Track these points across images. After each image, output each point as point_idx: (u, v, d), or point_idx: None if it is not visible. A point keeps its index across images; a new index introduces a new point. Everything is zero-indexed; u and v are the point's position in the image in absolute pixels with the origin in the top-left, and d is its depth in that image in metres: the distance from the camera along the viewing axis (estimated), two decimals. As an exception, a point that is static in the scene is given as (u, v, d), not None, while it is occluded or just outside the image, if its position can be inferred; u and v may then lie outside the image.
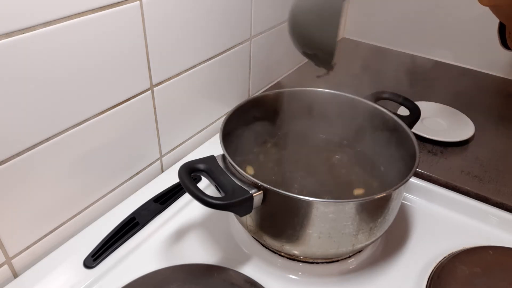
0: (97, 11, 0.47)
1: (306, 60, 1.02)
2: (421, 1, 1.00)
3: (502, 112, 0.83)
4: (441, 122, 0.77)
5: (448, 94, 0.87)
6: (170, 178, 0.64)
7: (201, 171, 0.48)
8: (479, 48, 0.97)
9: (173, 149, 0.68)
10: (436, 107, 0.81)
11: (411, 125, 0.58)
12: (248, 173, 0.46)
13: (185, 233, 0.56)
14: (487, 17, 0.91)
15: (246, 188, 0.45)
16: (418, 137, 0.72)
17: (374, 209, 0.46)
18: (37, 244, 0.52)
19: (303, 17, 0.43)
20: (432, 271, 0.52)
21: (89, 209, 0.57)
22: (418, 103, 0.62)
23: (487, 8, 0.91)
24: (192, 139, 0.72)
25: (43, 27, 0.43)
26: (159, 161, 0.66)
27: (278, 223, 0.48)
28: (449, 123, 0.76)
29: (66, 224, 0.54)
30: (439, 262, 0.53)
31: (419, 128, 0.73)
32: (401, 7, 1.04)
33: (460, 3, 0.95)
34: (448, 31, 0.99)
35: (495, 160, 0.68)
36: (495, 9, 0.51)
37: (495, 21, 0.91)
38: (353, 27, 1.14)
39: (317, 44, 0.44)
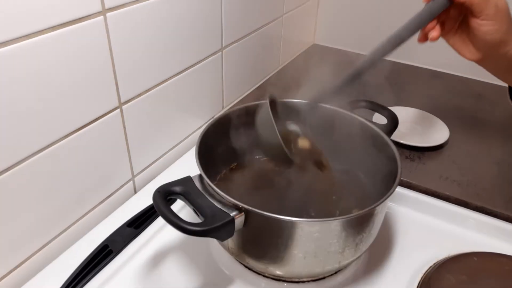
0: (57, 29, 0.44)
1: (281, 66, 1.01)
2: (391, 5, 1.01)
3: (473, 113, 0.84)
4: (416, 126, 0.77)
5: (420, 97, 0.88)
6: (144, 199, 0.61)
7: (178, 194, 0.45)
8: (447, 49, 0.98)
9: (145, 168, 0.65)
10: (409, 112, 0.81)
11: (389, 134, 0.57)
12: (302, 145, 0.47)
13: (163, 258, 0.53)
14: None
15: (226, 211, 0.43)
16: (395, 143, 0.71)
17: (359, 225, 0.45)
18: (1, 282, 0.47)
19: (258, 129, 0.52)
20: (419, 281, 0.51)
21: (57, 239, 0.53)
22: (392, 108, 0.62)
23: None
24: (166, 155, 0.69)
25: (-3, 48, 0.39)
26: (131, 181, 0.63)
27: (262, 244, 0.46)
28: (424, 128, 0.77)
29: (32, 258, 0.50)
30: (425, 272, 0.52)
31: (395, 134, 0.72)
32: (370, 11, 1.04)
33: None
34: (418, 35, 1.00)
35: (471, 163, 0.69)
36: (483, 64, 0.53)
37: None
38: (323, 33, 1.14)
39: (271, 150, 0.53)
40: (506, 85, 0.95)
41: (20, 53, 0.41)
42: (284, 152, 0.50)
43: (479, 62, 0.53)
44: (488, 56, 0.50)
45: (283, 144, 0.49)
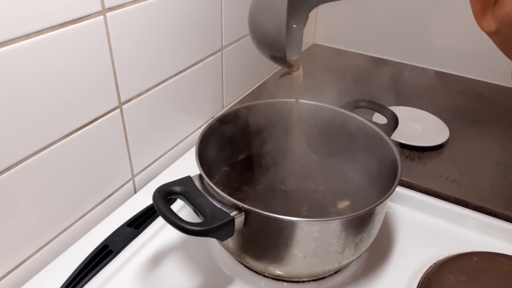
0: (57, 28, 0.44)
1: (279, 67, 1.01)
2: (391, 5, 1.01)
3: (473, 113, 0.84)
4: (416, 126, 0.77)
5: (420, 97, 0.88)
6: (144, 199, 0.61)
7: (177, 194, 0.45)
8: (447, 50, 0.98)
9: (145, 167, 0.65)
10: (409, 112, 0.81)
11: (389, 134, 0.57)
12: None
13: (163, 258, 0.53)
14: (455, 20, 0.94)
15: (226, 211, 0.42)
16: (395, 143, 0.71)
17: (359, 225, 0.45)
18: (1, 281, 0.47)
19: (254, 17, 0.43)
20: (419, 282, 0.51)
21: (57, 239, 0.53)
22: (391, 108, 0.62)
23: (455, 13, 0.93)
24: (166, 155, 0.69)
25: (-4, 48, 0.39)
26: (131, 181, 0.63)
27: (262, 244, 0.45)
28: (424, 127, 0.77)
29: (32, 258, 0.50)
30: (425, 272, 0.52)
31: (395, 134, 0.72)
32: (370, 11, 1.04)
33: (428, 7, 0.96)
34: (418, 35, 1.00)
35: (471, 163, 0.69)
36: (498, 39, 0.48)
37: (464, 23, 0.93)
38: (323, 32, 1.14)
39: (269, 43, 0.44)
40: (506, 84, 0.95)
41: (19, 53, 0.41)
42: (282, 45, 0.42)
43: (492, 34, 0.48)
44: (504, 33, 0.46)
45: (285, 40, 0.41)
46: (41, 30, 0.43)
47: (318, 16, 1.12)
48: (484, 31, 0.45)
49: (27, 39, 0.42)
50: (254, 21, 0.43)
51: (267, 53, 0.45)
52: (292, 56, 0.46)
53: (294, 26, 0.46)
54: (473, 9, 0.44)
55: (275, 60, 0.46)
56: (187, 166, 0.67)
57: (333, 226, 0.43)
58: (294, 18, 0.45)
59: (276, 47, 0.43)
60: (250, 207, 0.42)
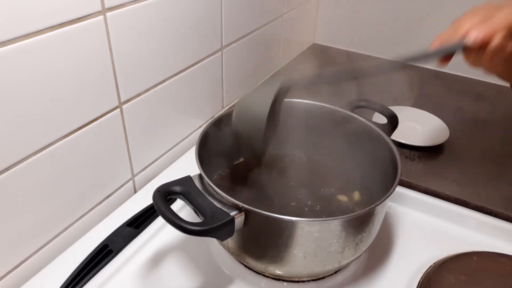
0: (57, 28, 0.44)
1: (281, 66, 1.01)
2: (391, 5, 1.01)
3: (473, 113, 0.84)
4: (416, 126, 0.77)
5: (420, 97, 0.88)
6: (144, 199, 0.61)
7: (177, 193, 0.45)
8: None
9: (145, 167, 0.65)
10: (409, 112, 0.81)
11: (389, 133, 0.57)
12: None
13: (163, 258, 0.53)
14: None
15: (226, 210, 0.42)
16: (395, 143, 0.71)
17: (359, 225, 0.45)
18: (1, 281, 0.47)
19: (239, 121, 0.49)
20: (419, 281, 0.51)
21: (57, 239, 0.53)
22: (391, 108, 0.62)
23: (455, 12, 0.93)
24: (166, 155, 0.69)
25: (-4, 48, 0.39)
26: (131, 181, 0.63)
27: (262, 244, 0.45)
28: (424, 127, 0.77)
29: (32, 258, 0.50)
30: (425, 271, 0.52)
31: (395, 134, 0.72)
32: (370, 11, 1.04)
33: (428, 7, 0.96)
34: (418, 35, 1.00)
35: (471, 163, 0.69)
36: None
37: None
38: (324, 32, 1.14)
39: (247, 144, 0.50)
40: (506, 85, 0.95)
41: (19, 53, 0.41)
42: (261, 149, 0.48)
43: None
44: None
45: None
46: (41, 30, 0.43)
47: (318, 16, 1.12)
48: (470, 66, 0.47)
49: (27, 39, 0.42)
50: (236, 129, 0.50)
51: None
52: None
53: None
54: (466, 62, 0.47)
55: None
56: (187, 166, 0.67)
57: (333, 226, 0.43)
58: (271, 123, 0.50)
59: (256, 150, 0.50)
60: (250, 207, 0.42)
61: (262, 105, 0.46)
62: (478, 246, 0.56)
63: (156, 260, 0.53)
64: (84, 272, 0.50)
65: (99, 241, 0.54)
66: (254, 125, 0.47)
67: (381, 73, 0.51)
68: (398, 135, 0.72)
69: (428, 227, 0.59)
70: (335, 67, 0.51)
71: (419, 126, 0.77)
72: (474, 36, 0.41)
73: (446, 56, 0.45)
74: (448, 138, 0.73)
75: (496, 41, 0.40)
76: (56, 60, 0.45)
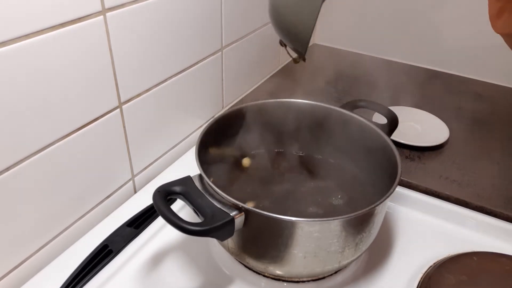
0: (57, 28, 0.44)
1: (281, 66, 1.01)
2: (391, 5, 1.01)
3: (473, 113, 0.84)
4: (415, 126, 0.77)
5: (420, 97, 0.88)
6: (144, 199, 0.61)
7: (177, 194, 0.45)
8: (447, 50, 0.98)
9: (145, 167, 0.65)
10: (409, 112, 0.81)
11: (389, 133, 0.57)
12: (245, 164, 0.42)
13: (163, 258, 0.53)
14: (455, 20, 0.94)
15: (226, 211, 0.42)
16: (395, 143, 0.71)
17: (359, 225, 0.45)
18: (1, 282, 0.47)
19: (282, 5, 0.42)
20: (419, 281, 0.51)
21: (57, 239, 0.53)
22: (391, 108, 0.62)
23: (455, 13, 0.93)
24: (166, 155, 0.69)
25: (-4, 48, 0.39)
26: (131, 181, 0.63)
27: (262, 244, 0.45)
28: (424, 127, 0.77)
29: (32, 258, 0.50)
30: (425, 272, 0.52)
31: (395, 134, 0.72)
32: (370, 11, 1.04)
33: (428, 7, 0.96)
34: (418, 35, 1.00)
35: (471, 163, 0.69)
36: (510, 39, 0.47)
37: (464, 23, 0.93)
38: (323, 33, 1.14)
39: (292, 35, 0.43)
40: (506, 84, 0.95)
41: (19, 53, 0.41)
42: (306, 43, 0.41)
43: (508, 36, 0.46)
44: None
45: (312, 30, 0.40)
46: (41, 30, 0.43)
47: (319, 16, 1.12)
48: (498, 32, 0.44)
49: (27, 39, 0.42)
50: (279, 15, 0.42)
51: (289, 44, 0.44)
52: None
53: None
54: (490, 10, 0.44)
55: (292, 49, 0.45)
56: (187, 166, 0.67)
57: (333, 226, 0.43)
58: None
59: (299, 46, 0.43)
60: (250, 207, 0.42)
61: None
62: (478, 246, 0.56)
63: (156, 260, 0.53)
64: (84, 272, 0.50)
65: (99, 241, 0.54)
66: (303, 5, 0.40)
67: None
68: (398, 135, 0.72)
69: (428, 227, 0.59)
70: None
71: (419, 126, 0.77)
72: None
73: None
74: (448, 138, 0.73)
75: None
76: (56, 60, 0.45)
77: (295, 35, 0.43)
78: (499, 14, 0.44)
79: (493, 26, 0.46)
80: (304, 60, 0.47)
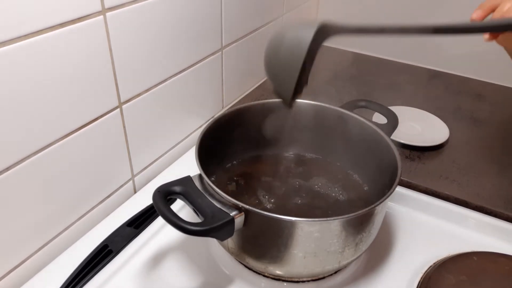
0: (56, 28, 0.44)
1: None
2: (392, 5, 1.01)
3: (473, 113, 0.84)
4: (415, 126, 0.77)
5: (420, 97, 0.88)
6: (144, 199, 0.61)
7: (177, 194, 0.45)
8: (447, 50, 0.98)
9: (145, 167, 0.65)
10: (409, 111, 0.81)
11: (389, 133, 0.57)
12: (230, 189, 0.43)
13: (163, 258, 0.53)
14: (455, 20, 0.93)
15: (226, 211, 0.42)
16: (395, 143, 0.71)
17: (359, 225, 0.45)
18: (1, 281, 0.47)
19: (271, 57, 0.43)
20: (419, 281, 0.51)
21: (56, 239, 0.53)
22: (391, 108, 0.62)
23: (455, 13, 0.92)
24: (166, 155, 0.69)
25: (-4, 48, 0.39)
26: (131, 181, 0.63)
27: (261, 244, 0.45)
28: (424, 127, 0.77)
29: (32, 258, 0.50)
30: (425, 272, 0.52)
31: (395, 134, 0.72)
32: (370, 11, 1.04)
33: (429, 7, 0.96)
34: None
35: (471, 163, 0.69)
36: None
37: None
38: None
39: (277, 87, 0.45)
40: (506, 84, 0.95)
41: (19, 53, 0.41)
42: (288, 98, 0.42)
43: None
44: None
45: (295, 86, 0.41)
46: (41, 30, 0.43)
47: (318, 17, 1.12)
48: (499, 44, 0.46)
49: (27, 39, 0.42)
50: (268, 67, 0.43)
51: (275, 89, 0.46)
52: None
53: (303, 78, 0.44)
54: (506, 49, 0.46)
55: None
56: (187, 166, 0.67)
57: (333, 226, 0.43)
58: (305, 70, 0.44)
59: (283, 98, 0.44)
60: (250, 207, 0.42)
61: (299, 45, 0.40)
62: (478, 246, 0.56)
63: (156, 260, 0.53)
64: (84, 272, 0.50)
65: (99, 241, 0.54)
66: (288, 66, 0.41)
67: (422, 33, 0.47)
68: (398, 135, 0.72)
69: (428, 227, 0.59)
70: (377, 23, 0.47)
71: (419, 126, 0.77)
72: None
73: (495, 34, 0.44)
74: (448, 138, 0.73)
75: None
76: (55, 60, 0.45)
77: (278, 93, 0.44)
78: None
79: (495, 39, 0.47)
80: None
